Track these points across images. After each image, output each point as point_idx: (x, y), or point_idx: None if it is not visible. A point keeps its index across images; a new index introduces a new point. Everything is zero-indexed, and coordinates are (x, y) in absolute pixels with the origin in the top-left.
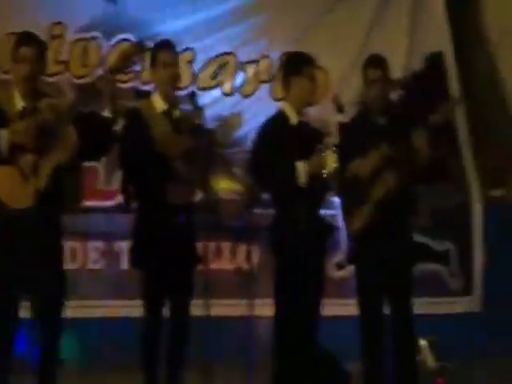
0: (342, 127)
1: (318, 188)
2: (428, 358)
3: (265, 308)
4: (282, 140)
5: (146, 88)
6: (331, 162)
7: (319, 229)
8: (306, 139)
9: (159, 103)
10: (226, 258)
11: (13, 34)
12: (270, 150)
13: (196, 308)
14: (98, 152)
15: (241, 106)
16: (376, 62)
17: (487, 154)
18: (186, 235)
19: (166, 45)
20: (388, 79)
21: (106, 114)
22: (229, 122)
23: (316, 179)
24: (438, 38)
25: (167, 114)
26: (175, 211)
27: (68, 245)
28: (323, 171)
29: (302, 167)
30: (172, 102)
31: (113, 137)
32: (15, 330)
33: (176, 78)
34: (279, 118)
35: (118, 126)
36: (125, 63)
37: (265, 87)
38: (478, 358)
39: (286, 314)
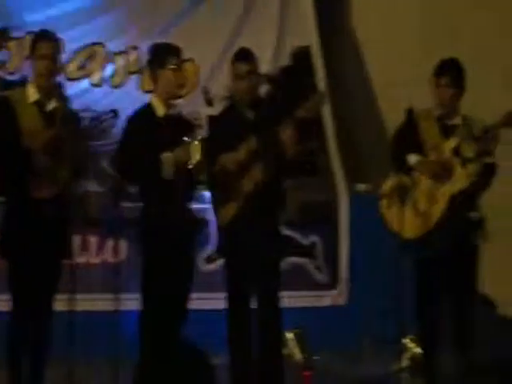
0: (211, 120)
1: (185, 181)
2: (295, 351)
3: (132, 302)
4: (148, 133)
5: (12, 78)
6: (196, 153)
7: (187, 222)
8: (174, 132)
9: (32, 94)
10: (92, 251)
11: None
12: (134, 142)
13: (61, 303)
14: None
15: (110, 97)
16: (244, 57)
17: (353, 150)
18: (53, 228)
19: (44, 36)
20: (256, 73)
21: None
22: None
23: (182, 172)
24: (306, 33)
25: (39, 104)
26: (41, 204)
27: None
28: (188, 163)
29: (166, 160)
30: (46, 93)
31: None
32: None
33: (53, 69)
34: (146, 111)
35: None
36: None
37: (134, 79)
38: (345, 351)
39: (152, 308)
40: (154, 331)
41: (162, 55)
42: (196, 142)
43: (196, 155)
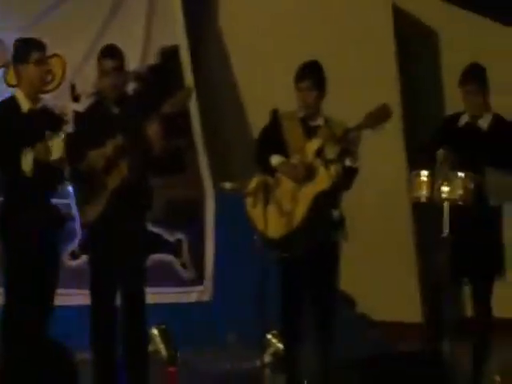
0: (77, 116)
1: (46, 176)
2: (160, 347)
3: None
4: (10, 127)
5: None
6: (57, 150)
7: (49, 218)
8: (38, 127)
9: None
10: None
11: None
12: None
13: None
14: None
15: None
16: (110, 53)
17: (219, 148)
18: None
19: None
20: (123, 70)
21: None
22: None
23: (44, 167)
24: (174, 32)
25: None
26: None
27: None
28: (50, 158)
29: (25, 155)
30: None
31: None
32: None
33: None
34: (8, 105)
35: None
36: None
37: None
38: (210, 347)
39: (13, 303)
40: (16, 327)
41: (25, 50)
42: (58, 138)
43: (57, 152)
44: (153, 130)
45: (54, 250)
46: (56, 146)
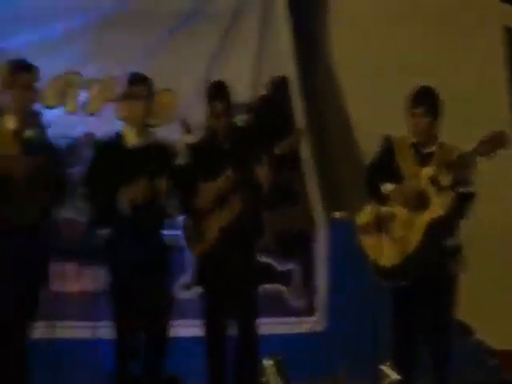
0: (189, 149)
1: (150, 211)
2: (273, 379)
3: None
4: (113, 162)
5: None
6: (162, 188)
7: (154, 251)
8: (143, 162)
9: (10, 122)
10: (70, 279)
11: None
12: (99, 171)
13: (40, 330)
14: None
15: (86, 124)
16: (218, 95)
17: (329, 177)
18: (31, 256)
19: (22, 65)
20: (231, 109)
21: None
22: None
23: (147, 203)
24: (284, 63)
25: (16, 133)
26: (18, 232)
27: None
28: (154, 196)
29: (121, 195)
30: (23, 121)
31: None
32: None
33: (32, 98)
34: (114, 139)
35: None
36: None
37: (110, 106)
38: (322, 378)
39: (121, 337)
40: (127, 360)
41: (129, 85)
42: (162, 179)
43: (162, 190)
44: (264, 172)
45: (159, 283)
46: (161, 186)
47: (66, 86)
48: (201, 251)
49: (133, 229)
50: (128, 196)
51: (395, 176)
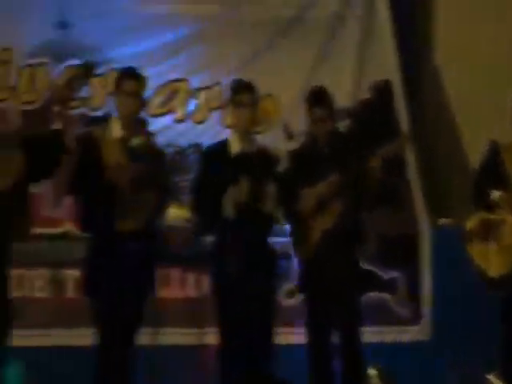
0: (292, 155)
1: (256, 217)
2: None
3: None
4: (219, 169)
5: (95, 114)
6: (266, 194)
7: (260, 257)
8: (248, 168)
9: (116, 130)
10: (175, 286)
11: None
12: (205, 178)
13: (145, 337)
14: (49, 168)
15: (193, 132)
16: (320, 101)
17: (434, 182)
18: (138, 263)
19: (129, 73)
20: (332, 115)
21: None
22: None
23: (253, 209)
24: (386, 66)
25: (123, 140)
26: (125, 239)
27: (14, 272)
28: (259, 204)
29: (224, 198)
30: (130, 129)
31: (63, 148)
32: None
33: (138, 106)
34: (219, 147)
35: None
36: (71, 88)
37: (217, 114)
38: None
39: (227, 344)
40: (232, 366)
41: (234, 92)
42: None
43: (269, 196)
44: (368, 176)
45: (265, 289)
46: (262, 191)
47: (174, 95)
48: (305, 255)
49: (238, 235)
50: (231, 197)
51: (503, 182)
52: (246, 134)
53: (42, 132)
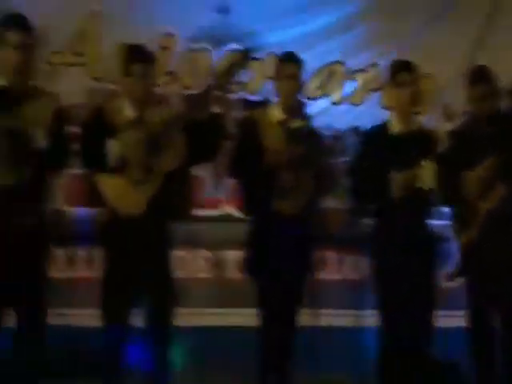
0: (452, 136)
1: (417, 200)
2: None
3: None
4: (380, 150)
5: (254, 98)
6: (428, 176)
7: (421, 240)
8: (408, 149)
9: (277, 113)
10: (332, 268)
11: (124, 44)
12: (365, 160)
13: (304, 318)
14: (208, 153)
15: (350, 115)
16: (481, 79)
17: None
18: (297, 244)
19: (289, 57)
20: (495, 93)
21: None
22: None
23: (414, 191)
24: None
25: (283, 124)
26: (284, 221)
27: (175, 254)
28: (421, 184)
29: (394, 179)
30: (290, 112)
31: (223, 132)
32: (125, 336)
33: (298, 89)
34: (379, 128)
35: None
36: (231, 73)
37: (375, 96)
38: None
39: (387, 326)
40: (393, 349)
41: (393, 72)
42: (428, 165)
43: (428, 178)
44: None
45: (426, 271)
46: (427, 173)
47: (331, 77)
48: (467, 239)
49: (400, 217)
50: (397, 179)
51: None
52: (406, 114)
53: (203, 116)
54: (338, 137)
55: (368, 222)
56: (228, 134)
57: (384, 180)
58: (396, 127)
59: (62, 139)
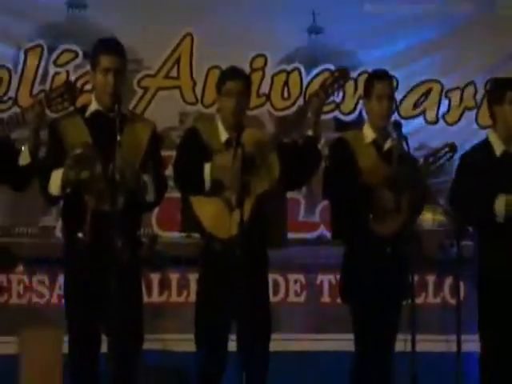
0: None
1: None
2: None
3: (473, 344)
4: (484, 172)
5: (347, 118)
6: None
7: None
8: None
9: (369, 134)
10: (431, 291)
11: (217, 67)
12: (469, 181)
13: (401, 343)
14: (304, 177)
15: (445, 134)
16: None
17: None
18: (396, 267)
19: (381, 76)
20: None
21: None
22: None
23: None
24: None
25: (376, 144)
26: (382, 242)
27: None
28: None
29: (500, 202)
30: (382, 132)
31: (318, 158)
32: (222, 361)
33: (390, 109)
34: (483, 148)
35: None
36: (325, 95)
37: (470, 115)
38: None
39: (491, 351)
40: (496, 374)
41: (500, 91)
42: None
43: None
44: None
45: None
46: None
47: (426, 96)
48: None
49: (505, 240)
50: (507, 205)
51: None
52: (508, 134)
53: (296, 139)
54: (434, 156)
55: (466, 243)
56: (321, 156)
57: (490, 203)
58: (499, 147)
59: (160, 176)
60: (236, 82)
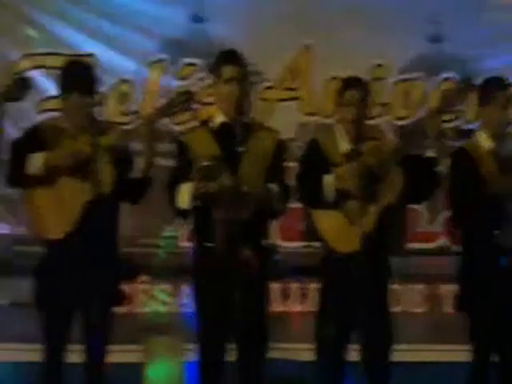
0: None
1: None
2: None
3: None
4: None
5: (470, 127)
6: None
7: None
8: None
9: (485, 142)
10: None
11: (336, 77)
12: None
13: None
14: (424, 194)
15: None
16: None
17: None
18: None
19: (497, 84)
20: None
21: (430, 154)
22: None
23: None
24: None
25: (493, 152)
26: (504, 253)
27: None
28: None
29: None
30: (500, 140)
31: (437, 178)
32: (342, 371)
33: (509, 118)
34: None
35: (442, 167)
36: (449, 103)
37: None
38: None
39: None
40: None
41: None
42: None
43: None
44: None
45: None
46: None
47: None
48: None
49: None
50: None
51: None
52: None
53: (418, 157)
54: None
55: None
56: (439, 177)
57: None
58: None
59: (285, 184)
60: (355, 91)
